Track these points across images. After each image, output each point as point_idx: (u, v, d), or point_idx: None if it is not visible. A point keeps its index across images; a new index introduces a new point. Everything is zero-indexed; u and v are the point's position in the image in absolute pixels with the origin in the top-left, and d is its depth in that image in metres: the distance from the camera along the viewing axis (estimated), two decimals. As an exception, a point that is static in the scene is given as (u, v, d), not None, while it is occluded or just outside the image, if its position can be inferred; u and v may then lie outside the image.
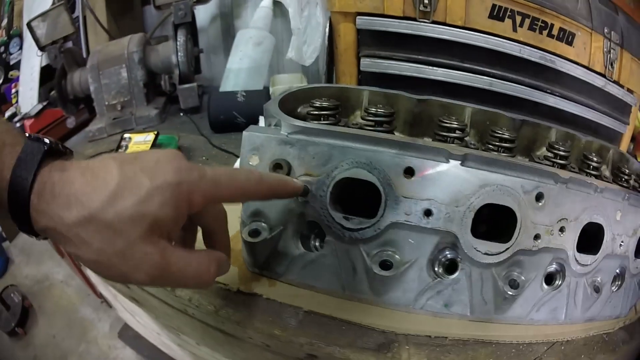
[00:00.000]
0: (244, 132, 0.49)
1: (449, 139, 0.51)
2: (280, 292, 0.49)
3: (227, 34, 1.06)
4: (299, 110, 0.55)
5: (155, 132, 0.80)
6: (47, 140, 0.31)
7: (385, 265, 0.45)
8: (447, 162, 0.45)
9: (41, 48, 1.04)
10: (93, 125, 0.96)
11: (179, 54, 0.91)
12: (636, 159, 0.69)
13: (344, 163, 0.45)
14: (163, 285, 0.34)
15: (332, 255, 0.47)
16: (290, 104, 0.55)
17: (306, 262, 0.48)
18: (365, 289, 0.47)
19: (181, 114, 0.97)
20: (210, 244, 0.41)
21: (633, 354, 0.58)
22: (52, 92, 1.03)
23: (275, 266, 0.50)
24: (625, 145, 0.90)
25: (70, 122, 1.16)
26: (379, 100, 0.57)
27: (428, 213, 0.45)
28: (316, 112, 0.51)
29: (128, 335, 1.12)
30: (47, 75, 1.10)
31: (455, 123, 0.52)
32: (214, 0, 1.01)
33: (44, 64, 1.12)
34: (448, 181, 0.45)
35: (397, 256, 0.46)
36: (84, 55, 1.12)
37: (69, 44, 1.10)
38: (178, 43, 0.91)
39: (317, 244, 0.49)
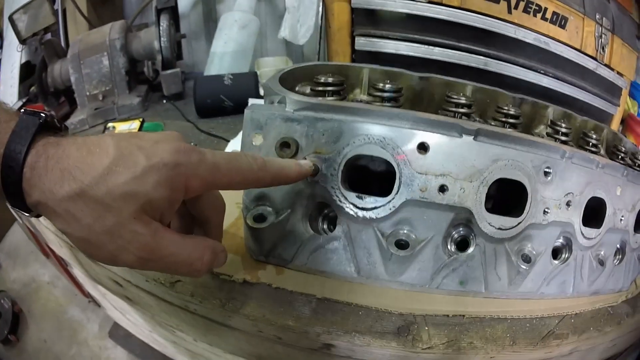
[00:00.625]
0: (245, 110, 0.45)
1: (457, 114, 0.50)
2: (290, 280, 0.47)
3: (209, 19, 1.03)
4: (297, 89, 0.53)
5: (141, 120, 0.76)
6: (42, 114, 0.29)
7: (401, 244, 0.44)
8: (461, 136, 0.44)
9: (22, 41, 1.01)
10: (74, 117, 0.92)
11: (162, 39, 0.87)
12: (627, 139, 0.71)
13: (355, 139, 0.43)
14: (152, 268, 0.32)
15: (344, 237, 0.45)
16: (289, 83, 0.53)
17: (316, 246, 0.46)
18: (380, 271, 0.45)
19: (164, 101, 0.94)
20: (204, 235, 0.38)
21: (637, 328, 0.60)
22: (32, 88, 1.00)
23: (282, 252, 0.47)
24: (615, 126, 0.93)
25: None
26: (379, 77, 0.55)
27: (443, 189, 0.43)
28: (321, 89, 0.48)
29: (118, 334, 1.08)
30: (26, 71, 1.06)
31: (464, 99, 0.51)
32: (195, -15, 0.98)
33: (23, 60, 1.08)
34: (462, 156, 0.44)
35: (412, 235, 0.44)
36: (64, 46, 1.06)
37: (49, 36, 1.06)
38: (161, 28, 0.87)
39: (325, 226, 0.46)
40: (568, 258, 0.52)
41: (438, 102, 0.54)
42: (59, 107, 1.02)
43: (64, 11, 1.10)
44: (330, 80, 0.48)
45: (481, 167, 0.44)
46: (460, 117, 0.50)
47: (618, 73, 0.84)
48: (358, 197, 0.43)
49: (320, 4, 0.73)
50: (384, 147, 0.43)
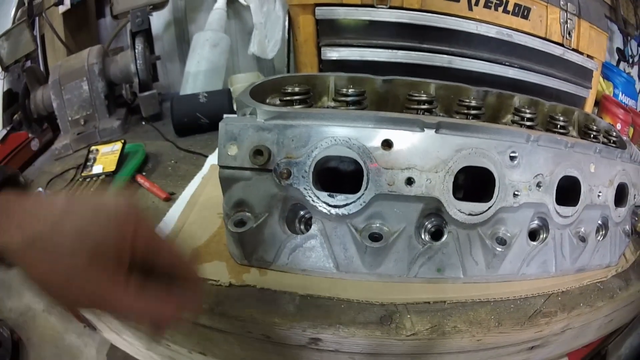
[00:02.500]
0: (220, 123, 0.47)
1: (419, 111, 0.53)
2: (273, 280, 0.49)
3: (182, 40, 1.05)
4: (267, 101, 0.55)
5: (122, 141, 0.77)
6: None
7: (374, 237, 0.46)
8: (422, 130, 0.46)
9: (5, 68, 1.01)
10: (58, 142, 0.93)
11: (138, 61, 0.89)
12: (601, 119, 0.72)
13: (323, 142, 0.45)
14: (112, 315, 0.33)
15: (320, 235, 0.47)
16: (259, 95, 0.55)
17: (295, 245, 0.47)
18: (358, 264, 0.47)
19: (143, 123, 0.96)
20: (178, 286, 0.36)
21: (633, 303, 0.60)
22: (15, 116, 1.00)
23: (264, 255, 0.49)
24: (589, 109, 0.95)
25: (35, 144, 1.12)
26: (345, 84, 0.57)
27: (410, 181, 0.45)
28: (288, 98, 0.51)
29: (116, 356, 1.08)
30: (9, 99, 1.07)
31: (424, 96, 0.53)
32: (167, 7, 1.00)
33: (5, 88, 1.09)
34: (425, 149, 0.46)
35: (385, 227, 0.46)
36: (44, 72, 1.08)
37: (29, 63, 1.07)
38: (136, 51, 0.89)
39: (302, 227, 0.48)
40: (546, 238, 0.53)
41: (402, 102, 0.57)
42: (42, 133, 1.03)
43: (42, 37, 1.12)
44: (296, 89, 0.51)
45: (445, 157, 0.47)
46: (423, 114, 0.53)
47: (588, 56, 0.86)
48: (329, 195, 0.45)
49: (286, 18, 0.76)
50: (350, 147, 0.45)
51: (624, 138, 0.64)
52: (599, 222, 0.58)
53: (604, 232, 0.59)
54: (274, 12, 0.77)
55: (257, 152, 0.46)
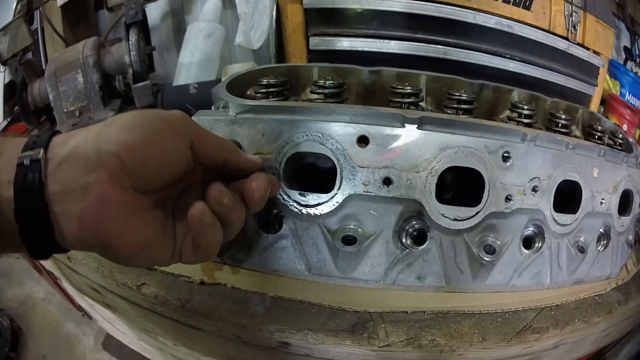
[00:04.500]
0: (192, 118, 0.46)
1: (403, 104, 0.49)
2: (244, 280, 0.47)
3: (179, 30, 1.04)
4: (248, 92, 0.53)
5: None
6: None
7: (348, 240, 0.43)
8: (403, 126, 0.43)
9: (3, 62, 1.02)
10: (54, 134, 0.94)
11: (132, 53, 0.88)
12: (607, 119, 0.68)
13: (294, 137, 0.42)
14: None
15: (292, 235, 0.44)
16: (240, 87, 0.53)
17: (266, 245, 0.45)
18: (331, 267, 0.45)
19: (137, 113, 0.95)
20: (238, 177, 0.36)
21: (632, 317, 0.57)
22: (16, 107, 1.01)
23: (236, 253, 0.47)
24: (594, 107, 0.90)
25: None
26: (329, 75, 0.55)
27: (387, 181, 0.42)
28: (264, 90, 0.48)
29: (112, 345, 1.11)
30: (10, 91, 1.09)
31: (409, 88, 0.50)
32: (164, -2, 0.99)
33: (7, 80, 1.11)
34: (405, 146, 0.43)
35: (360, 230, 0.43)
36: (43, 65, 1.09)
37: (29, 56, 1.08)
38: (130, 42, 0.88)
39: (276, 225, 0.46)
40: (541, 247, 0.49)
41: (389, 92, 0.53)
42: (40, 125, 1.04)
43: (42, 30, 1.13)
44: (271, 81, 0.48)
45: (428, 156, 0.43)
46: (408, 107, 0.49)
47: (594, 52, 0.82)
48: (301, 194, 0.43)
49: (274, 7, 0.73)
50: (323, 144, 0.42)
51: (631, 140, 0.59)
52: (601, 230, 0.54)
53: (605, 242, 0.55)
54: (261, 1, 0.75)
55: (227, 146, 0.44)
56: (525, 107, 0.55)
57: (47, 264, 0.73)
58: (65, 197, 0.27)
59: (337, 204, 0.42)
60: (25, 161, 0.27)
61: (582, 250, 0.52)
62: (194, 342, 0.54)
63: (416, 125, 0.43)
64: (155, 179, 0.31)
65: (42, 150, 0.27)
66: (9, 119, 1.11)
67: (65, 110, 0.93)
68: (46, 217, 0.27)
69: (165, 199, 0.34)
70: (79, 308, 1.12)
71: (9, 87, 1.10)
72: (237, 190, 0.35)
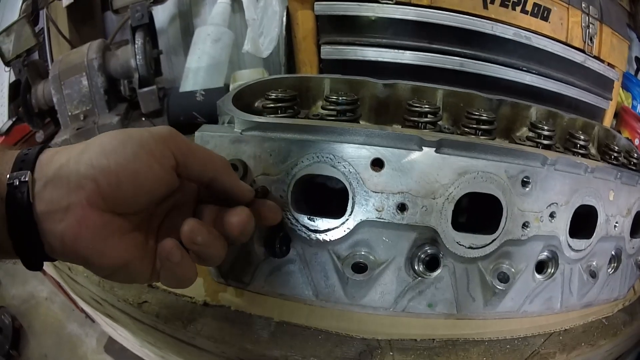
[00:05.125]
0: (196, 133, 0.44)
1: (420, 124, 0.47)
2: (249, 302, 0.46)
3: (187, 33, 1.03)
4: (256, 104, 0.51)
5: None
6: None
7: (359, 267, 0.41)
8: (420, 149, 0.41)
9: (7, 63, 1.02)
10: (58, 137, 0.93)
11: (138, 57, 0.86)
12: (621, 135, 0.66)
13: (304, 159, 0.40)
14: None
15: (299, 260, 0.43)
16: (247, 98, 0.51)
17: (272, 268, 0.44)
18: (339, 294, 0.43)
19: (143, 119, 0.93)
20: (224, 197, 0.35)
21: (634, 335, 0.56)
22: (21, 108, 1.00)
23: (241, 275, 0.45)
24: (608, 121, 0.88)
25: (39, 136, 1.13)
26: (341, 88, 0.53)
27: (402, 208, 0.40)
28: (272, 105, 0.46)
29: (114, 348, 1.11)
30: (15, 91, 1.09)
31: (427, 106, 0.47)
32: (171, 0, 0.97)
33: (12, 79, 1.10)
34: (422, 171, 0.41)
35: (371, 257, 0.42)
36: (50, 66, 1.08)
37: (35, 57, 1.07)
38: (136, 46, 0.86)
39: (283, 248, 0.44)
40: (554, 273, 0.48)
41: (405, 110, 0.51)
42: (44, 127, 1.03)
43: (48, 30, 1.12)
44: (280, 95, 0.46)
45: (446, 182, 0.41)
46: (425, 127, 0.47)
47: (609, 64, 0.79)
48: (310, 219, 0.41)
49: (284, 13, 0.71)
50: (335, 166, 0.40)
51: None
52: (612, 253, 0.53)
53: (615, 264, 0.53)
54: (271, 6, 0.72)
55: (232, 166, 0.41)
56: (545, 127, 0.52)
57: (50, 271, 0.73)
58: (50, 216, 0.29)
59: (348, 230, 0.41)
60: (15, 182, 0.28)
61: (593, 275, 0.51)
62: (197, 359, 0.53)
63: (434, 149, 0.41)
64: (132, 202, 0.31)
65: (29, 173, 0.29)
66: (14, 119, 1.10)
67: (70, 113, 0.92)
68: (36, 234, 0.29)
69: (151, 218, 0.34)
70: (82, 310, 1.11)
71: (14, 86, 1.09)
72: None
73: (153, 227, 0.34)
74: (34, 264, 0.31)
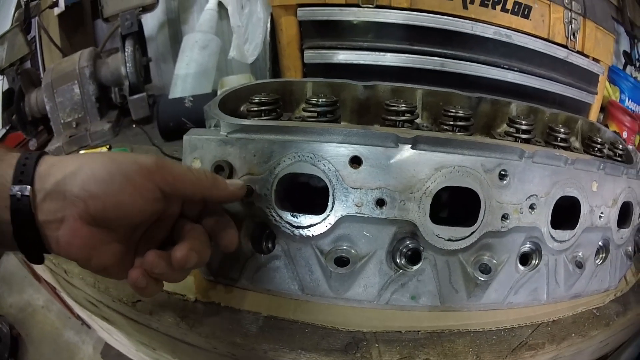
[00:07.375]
0: (184, 137, 0.46)
1: (398, 122, 0.49)
2: (238, 299, 0.47)
3: (175, 41, 1.05)
4: (241, 108, 0.52)
5: (108, 146, 0.77)
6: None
7: (341, 261, 0.42)
8: (397, 146, 0.42)
9: (0, 72, 1.03)
10: (51, 145, 0.94)
11: (128, 64, 0.88)
12: (608, 128, 0.67)
13: (286, 158, 0.42)
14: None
15: (285, 255, 0.44)
16: (232, 103, 0.52)
17: (259, 265, 0.45)
18: (324, 288, 0.44)
19: (134, 125, 0.95)
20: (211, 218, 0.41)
21: (631, 326, 0.56)
22: (14, 116, 1.02)
23: (229, 272, 0.47)
24: (594, 115, 0.89)
25: (32, 144, 1.14)
26: (323, 90, 0.54)
27: (381, 203, 0.42)
28: (256, 109, 0.48)
29: (111, 354, 1.11)
30: (9, 99, 1.10)
31: (404, 105, 0.49)
32: (160, 8, 0.99)
33: (5, 87, 1.11)
34: (399, 167, 0.42)
35: (353, 251, 0.43)
36: (42, 74, 1.09)
37: (27, 65, 1.08)
38: (126, 54, 0.88)
39: (269, 245, 0.45)
40: (538, 264, 0.49)
41: (383, 110, 0.53)
42: (38, 135, 1.04)
43: (40, 38, 1.13)
44: (264, 100, 0.47)
45: (423, 177, 0.43)
46: (402, 125, 0.49)
47: (593, 59, 0.81)
48: (293, 215, 0.42)
49: (269, 20, 0.73)
50: (315, 165, 0.42)
51: (630, 147, 0.58)
52: (599, 244, 0.53)
53: (603, 255, 0.54)
54: (255, 13, 0.74)
55: (218, 167, 0.43)
56: (524, 121, 0.54)
57: (47, 276, 0.73)
58: (49, 224, 0.34)
59: (329, 226, 0.42)
60: (17, 195, 0.32)
61: (579, 265, 0.51)
62: (191, 357, 0.54)
63: (410, 145, 0.42)
64: (116, 224, 0.36)
65: (29, 188, 0.33)
66: (7, 127, 1.10)
67: (62, 121, 0.93)
68: (39, 238, 0.34)
69: (134, 231, 0.38)
70: (78, 317, 1.12)
71: (7, 95, 1.09)
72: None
73: (135, 239, 0.39)
74: (37, 259, 0.36)
